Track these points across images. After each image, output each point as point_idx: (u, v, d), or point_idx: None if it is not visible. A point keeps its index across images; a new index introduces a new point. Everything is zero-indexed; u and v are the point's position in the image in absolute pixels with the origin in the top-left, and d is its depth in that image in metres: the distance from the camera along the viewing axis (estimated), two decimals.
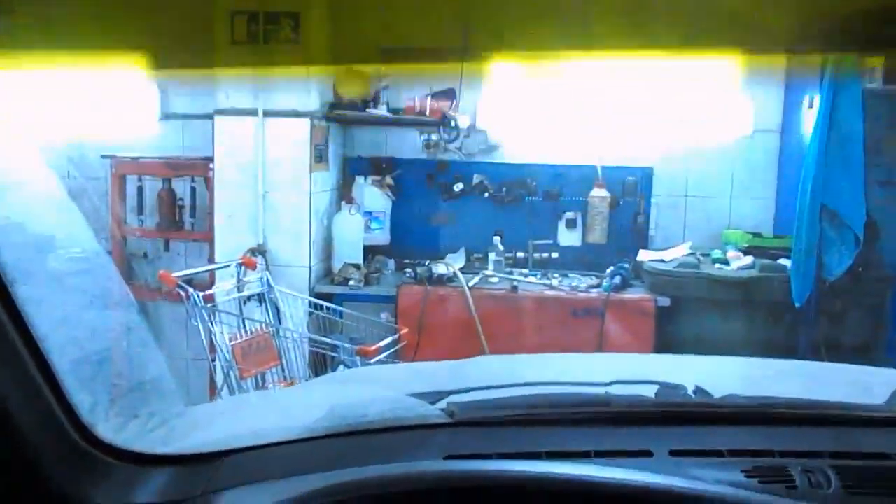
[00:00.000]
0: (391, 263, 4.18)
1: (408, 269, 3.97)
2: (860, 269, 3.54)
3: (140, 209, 4.25)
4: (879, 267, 3.60)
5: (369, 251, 4.16)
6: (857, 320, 3.54)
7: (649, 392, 1.14)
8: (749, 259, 3.77)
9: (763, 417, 1.09)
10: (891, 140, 3.58)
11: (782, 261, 3.71)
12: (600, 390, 1.15)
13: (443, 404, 1.12)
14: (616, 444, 1.03)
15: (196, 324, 3.17)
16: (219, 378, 3.41)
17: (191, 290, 3.12)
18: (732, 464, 0.99)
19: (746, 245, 3.93)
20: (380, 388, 1.24)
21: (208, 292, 3.29)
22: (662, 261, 3.85)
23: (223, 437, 1.01)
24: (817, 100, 3.50)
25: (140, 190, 4.23)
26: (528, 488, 0.91)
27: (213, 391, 3.72)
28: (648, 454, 1.00)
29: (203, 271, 3.60)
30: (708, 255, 3.92)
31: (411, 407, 1.10)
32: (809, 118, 3.61)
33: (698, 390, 1.14)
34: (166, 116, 4.28)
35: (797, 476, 0.96)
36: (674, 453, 1.01)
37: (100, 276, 0.83)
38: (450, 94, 4.04)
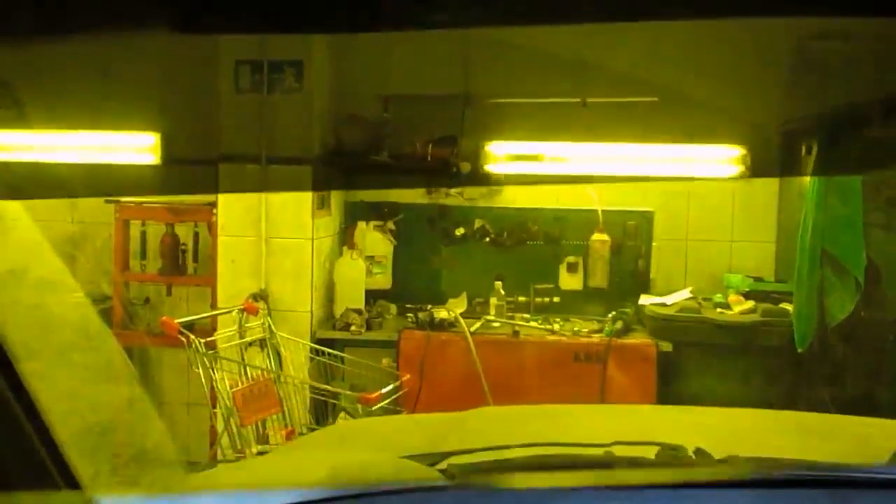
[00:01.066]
0: (393, 308, 4.19)
1: (409, 314, 3.97)
2: (863, 313, 3.54)
3: (143, 254, 4.27)
4: (882, 311, 3.60)
5: (371, 296, 4.17)
6: (861, 365, 3.53)
7: (650, 453, 1.14)
8: (751, 303, 3.78)
9: (763, 481, 1.09)
10: (889, 183, 3.60)
11: (784, 305, 3.71)
12: (601, 451, 1.15)
13: (444, 465, 1.12)
14: None
15: (197, 370, 3.17)
16: (220, 425, 3.40)
17: (192, 336, 3.13)
18: None
19: (748, 289, 3.93)
20: (380, 447, 1.24)
21: (210, 339, 3.29)
22: (664, 305, 3.85)
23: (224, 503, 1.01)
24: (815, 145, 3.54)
25: (143, 235, 4.26)
26: None
27: (215, 438, 3.70)
28: None
29: (205, 317, 3.60)
30: (709, 299, 3.92)
31: (412, 469, 1.10)
32: (808, 163, 3.65)
33: (699, 451, 1.14)
34: (171, 162, 4.32)
35: None
36: None
37: (102, 350, 0.84)
38: (451, 140, 4.09)
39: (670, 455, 1.13)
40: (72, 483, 0.84)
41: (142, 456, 0.85)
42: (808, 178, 3.56)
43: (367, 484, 1.07)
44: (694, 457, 1.13)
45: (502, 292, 4.06)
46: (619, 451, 1.15)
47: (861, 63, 3.33)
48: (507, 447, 1.16)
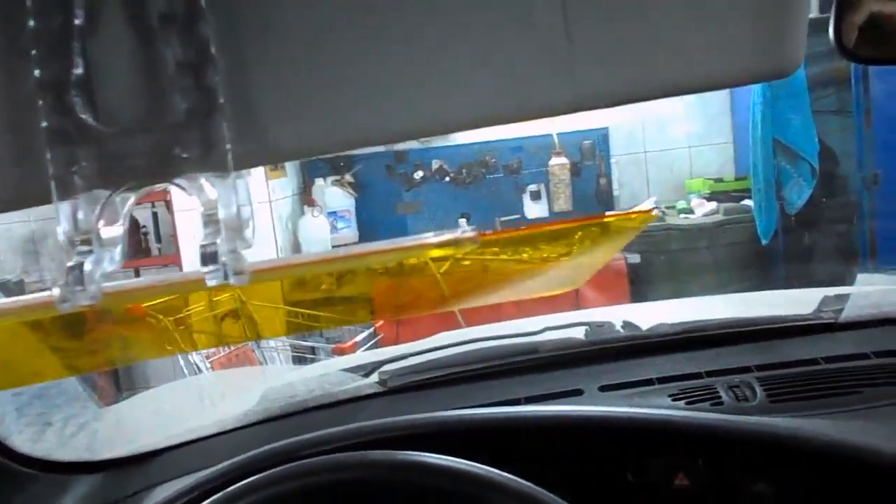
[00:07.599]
0: None
1: None
2: (823, 199, 3.56)
3: None
4: (843, 195, 3.62)
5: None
6: (826, 250, 3.56)
7: (578, 334, 1.14)
8: (713, 205, 3.79)
9: (690, 342, 1.09)
10: (835, 70, 3.59)
11: (746, 202, 3.73)
12: (529, 339, 1.15)
13: (375, 376, 1.12)
14: (546, 388, 1.03)
15: (170, 348, 3.17)
16: None
17: (159, 315, 3.12)
18: (661, 391, 0.99)
19: (709, 191, 3.94)
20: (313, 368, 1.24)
21: (179, 315, 3.28)
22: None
23: (151, 436, 1.00)
24: None
25: None
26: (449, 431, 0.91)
27: None
28: (579, 392, 1.01)
29: (171, 298, 3.58)
30: (673, 206, 3.93)
31: (343, 381, 1.10)
32: None
33: (626, 324, 1.14)
34: None
35: (723, 392, 0.96)
36: (604, 388, 1.01)
37: None
38: None
39: (598, 331, 1.13)
40: None
41: (46, 392, 0.83)
42: None
43: (299, 400, 1.07)
44: (622, 330, 1.13)
45: (468, 228, 4.04)
46: (549, 336, 1.15)
47: None
48: (438, 348, 1.16)
